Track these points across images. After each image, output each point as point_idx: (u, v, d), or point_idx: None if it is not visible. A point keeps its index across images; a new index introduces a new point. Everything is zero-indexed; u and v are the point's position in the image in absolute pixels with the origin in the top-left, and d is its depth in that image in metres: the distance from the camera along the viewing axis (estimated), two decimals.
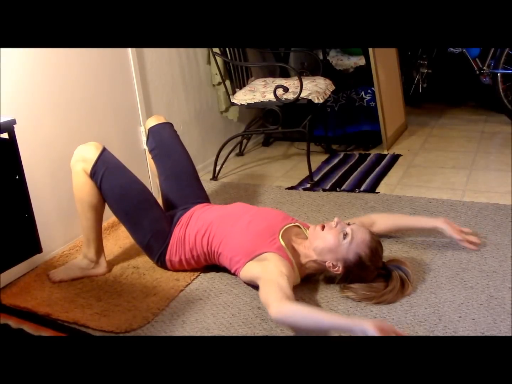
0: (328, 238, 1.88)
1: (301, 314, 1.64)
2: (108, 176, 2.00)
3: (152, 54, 2.83)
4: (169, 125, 2.36)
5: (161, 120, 2.36)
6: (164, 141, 2.31)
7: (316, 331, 1.66)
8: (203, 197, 2.28)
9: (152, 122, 2.35)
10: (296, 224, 2.05)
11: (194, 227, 2.05)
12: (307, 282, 2.00)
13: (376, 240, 1.90)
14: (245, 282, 2.00)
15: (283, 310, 1.64)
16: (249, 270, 1.90)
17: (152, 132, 2.32)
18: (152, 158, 2.33)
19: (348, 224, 1.92)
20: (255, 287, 1.93)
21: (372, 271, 1.89)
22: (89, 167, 1.99)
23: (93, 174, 1.99)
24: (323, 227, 1.92)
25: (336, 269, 1.89)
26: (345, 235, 1.86)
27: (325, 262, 1.89)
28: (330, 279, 1.99)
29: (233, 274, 2.02)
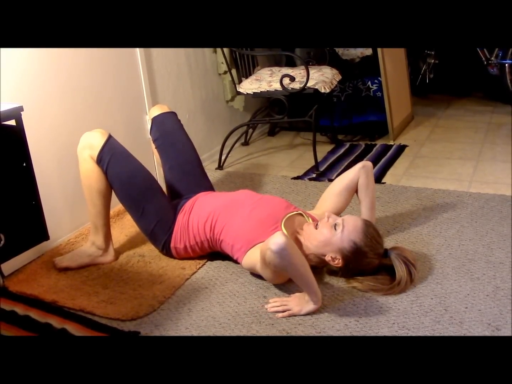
0: (322, 232, 1.90)
1: (299, 252, 1.72)
2: (114, 162, 2.00)
3: None
4: (172, 115, 2.34)
5: (165, 109, 2.34)
6: (168, 131, 2.30)
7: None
8: (207, 186, 2.27)
9: (155, 111, 2.33)
10: (298, 212, 2.05)
11: (197, 213, 2.05)
12: (313, 274, 2.00)
13: (369, 225, 1.89)
14: (247, 270, 2.00)
15: (285, 240, 1.66)
16: (250, 257, 1.91)
17: (156, 122, 2.31)
18: (156, 148, 2.33)
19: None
20: (260, 276, 1.94)
21: (372, 258, 1.87)
22: (95, 154, 1.99)
23: (99, 161, 2.00)
24: (316, 226, 1.93)
25: (336, 262, 1.89)
26: (336, 225, 1.87)
27: (325, 256, 1.90)
28: (333, 272, 1.98)
29: (236, 262, 2.03)
